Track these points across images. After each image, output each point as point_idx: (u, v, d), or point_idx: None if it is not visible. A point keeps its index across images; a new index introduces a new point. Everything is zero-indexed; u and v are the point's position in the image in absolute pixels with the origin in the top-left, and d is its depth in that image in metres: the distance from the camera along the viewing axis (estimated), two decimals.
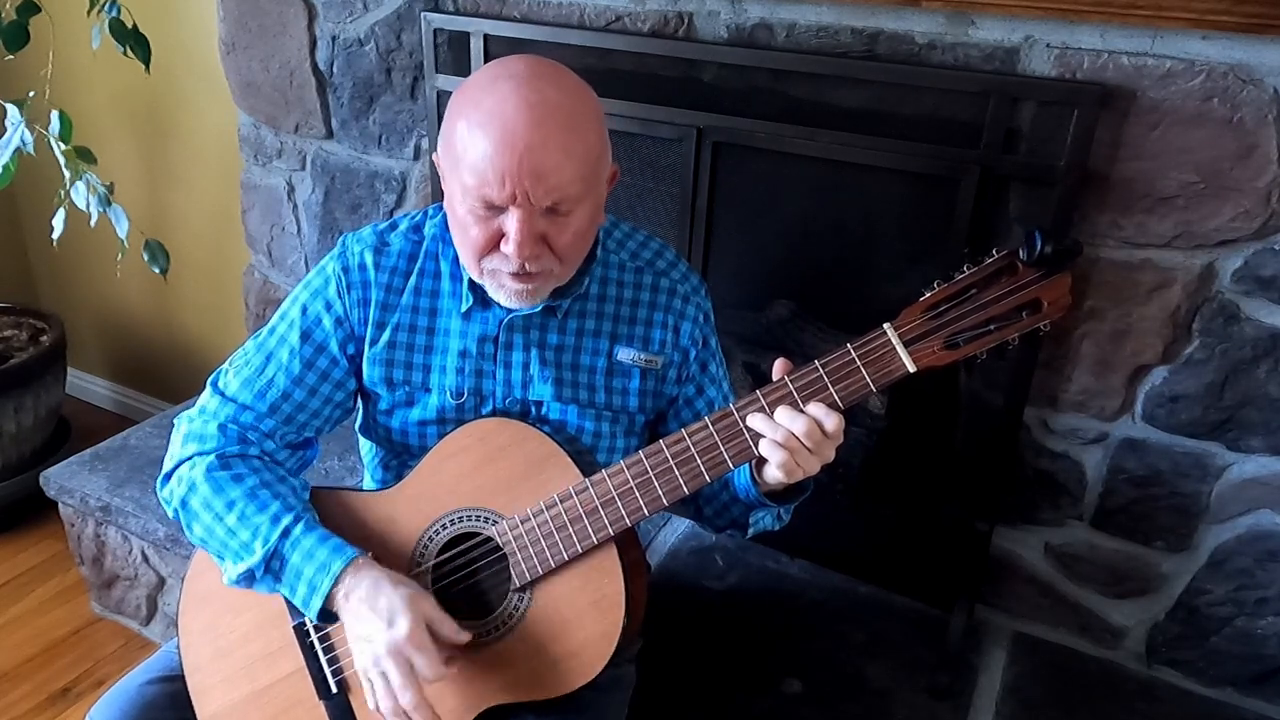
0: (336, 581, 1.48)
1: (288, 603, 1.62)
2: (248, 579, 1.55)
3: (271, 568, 1.52)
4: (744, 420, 1.44)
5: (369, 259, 1.65)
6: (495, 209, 1.45)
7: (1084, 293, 1.98)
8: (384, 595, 1.46)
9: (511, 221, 1.44)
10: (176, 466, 1.63)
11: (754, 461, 1.50)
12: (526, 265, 1.47)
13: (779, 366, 1.44)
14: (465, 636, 1.50)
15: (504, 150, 1.40)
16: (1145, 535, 2.12)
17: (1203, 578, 2.09)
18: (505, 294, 1.54)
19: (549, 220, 1.46)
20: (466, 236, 1.50)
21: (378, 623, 1.44)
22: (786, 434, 1.41)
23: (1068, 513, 2.18)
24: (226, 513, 1.55)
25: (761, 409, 1.43)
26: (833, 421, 1.40)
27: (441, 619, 1.48)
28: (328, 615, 1.52)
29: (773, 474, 1.46)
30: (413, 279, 1.66)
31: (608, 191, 1.59)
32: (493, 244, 1.48)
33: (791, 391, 1.42)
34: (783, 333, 2.28)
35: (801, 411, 1.40)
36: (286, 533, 1.52)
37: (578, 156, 1.45)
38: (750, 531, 1.75)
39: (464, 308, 1.64)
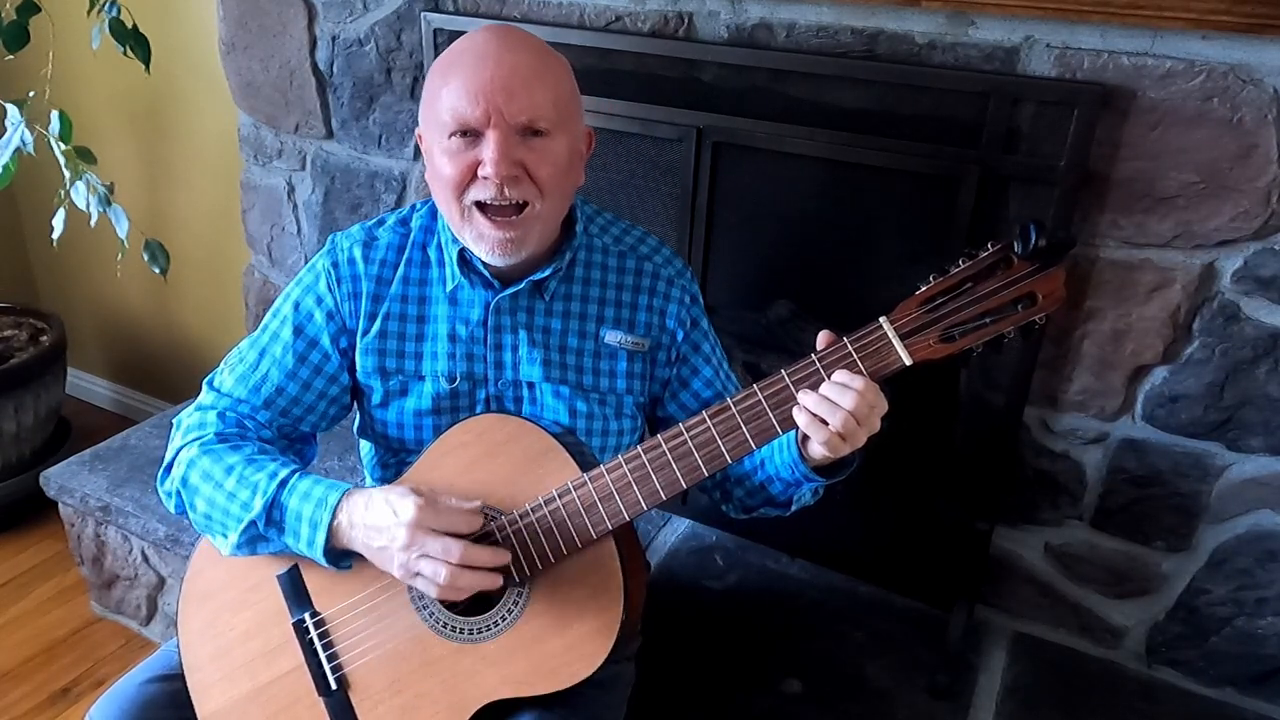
0: (335, 514, 1.49)
1: (285, 597, 1.64)
2: (250, 539, 1.55)
3: (273, 518, 1.52)
4: (754, 413, 1.45)
5: (358, 253, 1.68)
6: (472, 135, 1.49)
7: (1084, 293, 1.98)
8: (377, 501, 1.47)
9: (488, 142, 1.47)
10: (176, 455, 1.64)
11: (799, 437, 1.51)
12: (506, 189, 1.49)
13: (823, 338, 1.45)
14: (472, 504, 1.49)
15: (477, 71, 1.47)
16: (1145, 535, 2.12)
17: (1203, 578, 2.10)
18: (488, 244, 1.55)
19: (526, 146, 1.50)
20: (444, 180, 1.53)
21: (385, 525, 1.45)
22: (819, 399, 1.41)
23: (1067, 513, 2.18)
24: (225, 477, 1.55)
25: (760, 403, 1.45)
26: (861, 384, 1.40)
27: (445, 501, 1.48)
28: (337, 556, 1.52)
29: (817, 449, 1.46)
30: (401, 268, 1.69)
31: (587, 154, 1.64)
32: (470, 174, 1.50)
33: (788, 385, 1.43)
34: (783, 332, 2.28)
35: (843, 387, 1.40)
36: (284, 484, 1.52)
37: (550, 81, 1.51)
38: (793, 508, 1.73)
39: (449, 287, 1.66)
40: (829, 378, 1.41)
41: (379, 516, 1.46)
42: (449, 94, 1.48)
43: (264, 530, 1.53)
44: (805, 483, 1.61)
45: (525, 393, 1.70)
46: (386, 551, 1.46)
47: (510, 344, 1.68)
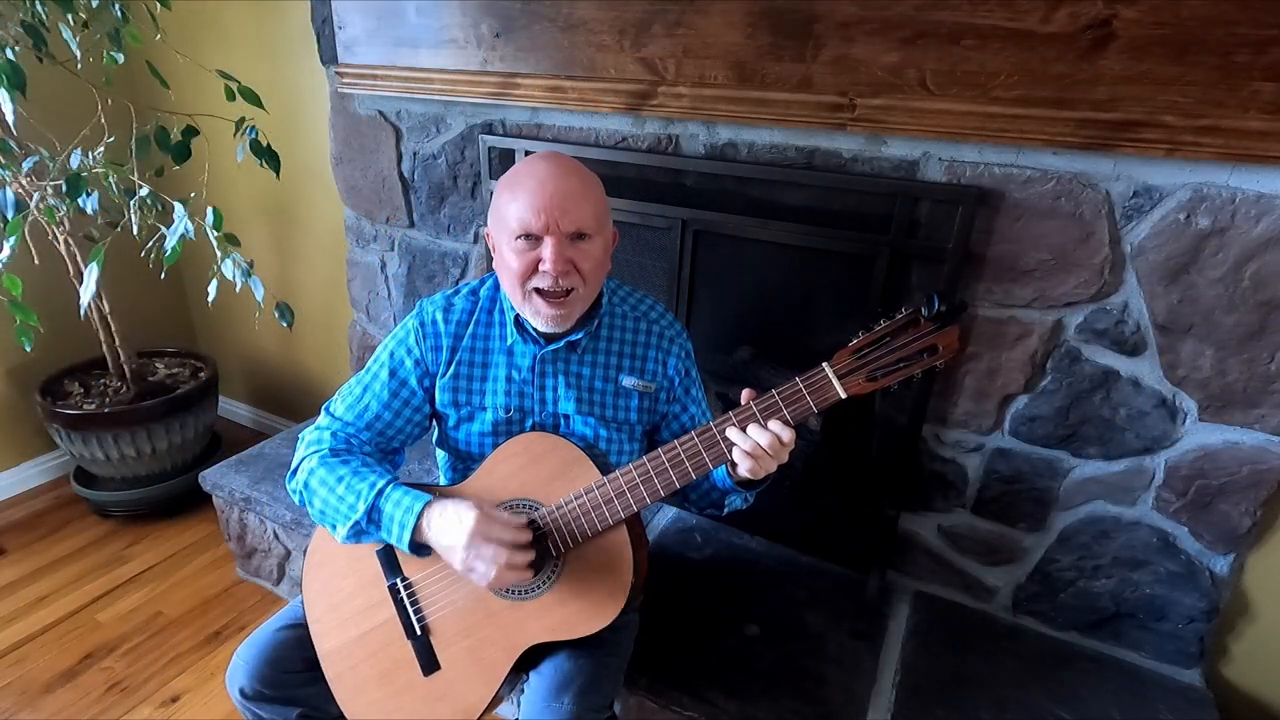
0: (419, 518, 1.50)
1: (382, 567, 1.63)
2: (356, 533, 1.55)
3: (373, 518, 1.53)
4: (722, 434, 1.45)
5: (439, 316, 1.69)
6: (533, 239, 1.50)
7: (967, 341, 1.97)
8: (449, 513, 1.49)
9: (547, 246, 1.50)
10: (300, 463, 1.64)
11: (729, 464, 1.50)
12: (560, 280, 1.52)
13: (746, 395, 1.45)
14: (519, 521, 1.50)
15: (539, 193, 1.48)
16: (1011, 519, 2.10)
17: (1054, 550, 2.08)
18: (542, 319, 1.58)
19: (574, 247, 1.52)
20: (511, 272, 1.54)
21: (454, 528, 1.47)
22: (754, 444, 1.42)
23: (954, 502, 2.16)
24: (337, 485, 1.56)
25: (733, 425, 1.44)
26: (788, 434, 1.42)
27: (498, 515, 1.49)
28: (419, 548, 1.53)
29: (743, 473, 1.46)
30: (471, 327, 1.69)
31: (612, 248, 1.63)
32: (532, 268, 1.52)
33: (755, 412, 1.42)
34: (745, 370, 2.27)
35: (765, 428, 1.41)
36: (381, 492, 1.53)
37: (591, 198, 1.52)
38: (725, 510, 1.74)
39: (508, 343, 1.67)
40: (785, 408, 1.42)
41: (449, 523, 1.48)
42: (517, 208, 1.49)
43: (365, 527, 1.54)
44: (733, 493, 1.65)
45: (562, 422, 1.69)
46: (452, 550, 1.47)
47: (551, 385, 1.68)
